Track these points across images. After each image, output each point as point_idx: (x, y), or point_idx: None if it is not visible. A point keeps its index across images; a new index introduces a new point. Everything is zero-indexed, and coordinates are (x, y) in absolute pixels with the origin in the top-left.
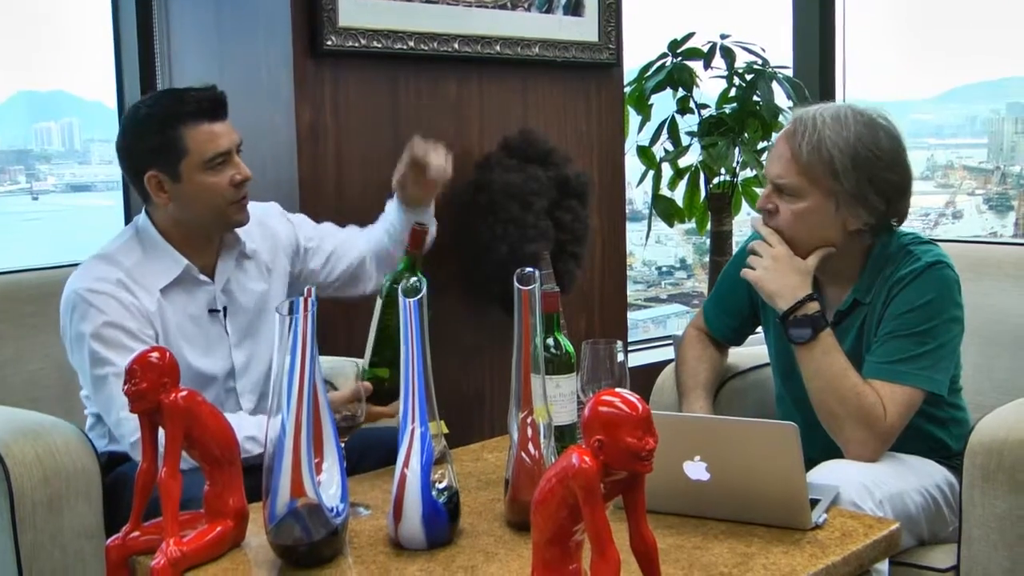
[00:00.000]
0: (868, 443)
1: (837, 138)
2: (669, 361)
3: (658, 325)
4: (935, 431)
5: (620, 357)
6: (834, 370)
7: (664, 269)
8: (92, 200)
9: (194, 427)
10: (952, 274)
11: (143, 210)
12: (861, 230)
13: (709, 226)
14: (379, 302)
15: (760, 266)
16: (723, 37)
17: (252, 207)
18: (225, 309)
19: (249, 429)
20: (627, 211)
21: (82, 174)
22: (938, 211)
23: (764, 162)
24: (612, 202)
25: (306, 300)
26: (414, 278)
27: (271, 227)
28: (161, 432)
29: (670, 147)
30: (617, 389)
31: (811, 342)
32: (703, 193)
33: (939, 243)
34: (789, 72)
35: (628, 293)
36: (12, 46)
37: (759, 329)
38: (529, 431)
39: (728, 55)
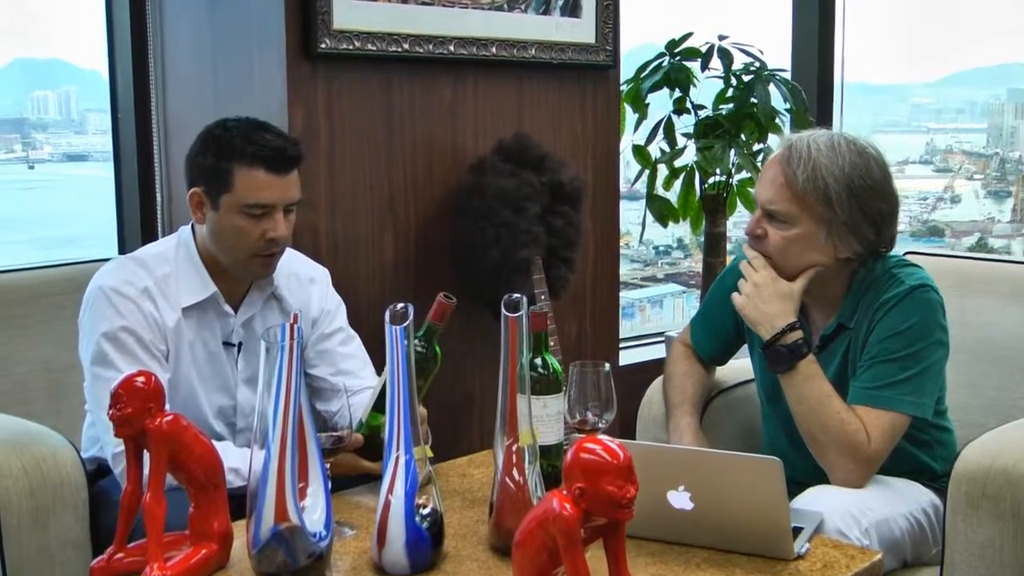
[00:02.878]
0: (852, 470)
1: (832, 166)
2: (661, 360)
3: (654, 305)
4: (920, 454)
5: (607, 379)
6: (816, 397)
7: (661, 249)
8: (89, 170)
9: (179, 451)
10: (936, 297)
11: (191, 223)
12: (850, 258)
13: (703, 227)
14: None
15: (744, 291)
16: (721, 38)
17: (304, 263)
18: (240, 345)
19: (233, 460)
20: (625, 190)
21: (79, 144)
22: (936, 195)
23: (759, 165)
24: (606, 205)
25: (291, 327)
26: (422, 346)
27: (307, 291)
28: (146, 455)
29: (666, 147)
30: (600, 436)
31: (791, 370)
32: (698, 193)
33: (929, 255)
34: (786, 74)
35: (624, 272)
36: (9, 14)
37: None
38: (514, 457)
39: (726, 57)
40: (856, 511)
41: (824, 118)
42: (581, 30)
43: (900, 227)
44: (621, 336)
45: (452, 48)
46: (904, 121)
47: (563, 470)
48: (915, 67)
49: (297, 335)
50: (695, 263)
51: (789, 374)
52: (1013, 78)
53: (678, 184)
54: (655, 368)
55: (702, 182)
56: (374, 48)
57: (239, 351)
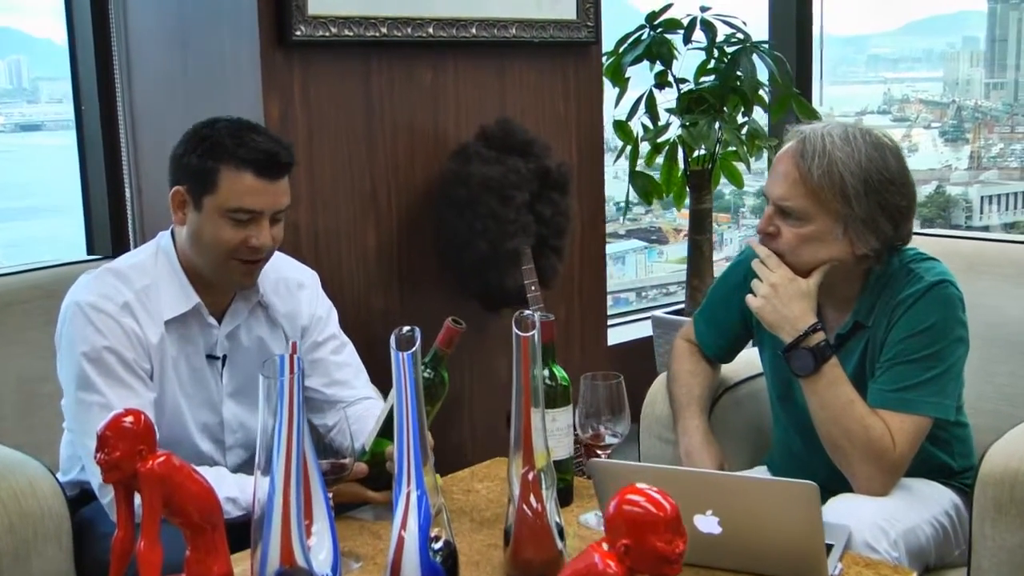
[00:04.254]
0: (877, 477)
1: (848, 160)
2: (648, 338)
3: (616, 261)
4: (939, 452)
5: (619, 391)
6: (840, 402)
7: (620, 205)
8: (43, 139)
9: (174, 493)
10: (955, 291)
11: (170, 229)
12: (867, 254)
13: (688, 203)
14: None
15: (760, 294)
16: (703, 10)
17: (292, 266)
18: (225, 358)
19: (230, 489)
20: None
21: (31, 113)
22: None
23: (743, 137)
24: (592, 187)
25: (291, 358)
26: (429, 372)
27: (296, 297)
28: (138, 498)
29: (647, 122)
30: (641, 485)
31: (815, 374)
32: (681, 168)
33: (934, 236)
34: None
35: None
36: None
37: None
38: (530, 479)
39: (709, 29)
40: (883, 522)
41: (803, 82)
42: (562, 6)
43: None
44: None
45: (431, 31)
46: (862, 72)
47: (605, 522)
48: (872, 17)
49: (297, 367)
50: (655, 218)
51: (812, 378)
52: (969, 26)
53: (659, 159)
54: (644, 347)
55: (686, 158)
56: (351, 34)
57: (223, 364)
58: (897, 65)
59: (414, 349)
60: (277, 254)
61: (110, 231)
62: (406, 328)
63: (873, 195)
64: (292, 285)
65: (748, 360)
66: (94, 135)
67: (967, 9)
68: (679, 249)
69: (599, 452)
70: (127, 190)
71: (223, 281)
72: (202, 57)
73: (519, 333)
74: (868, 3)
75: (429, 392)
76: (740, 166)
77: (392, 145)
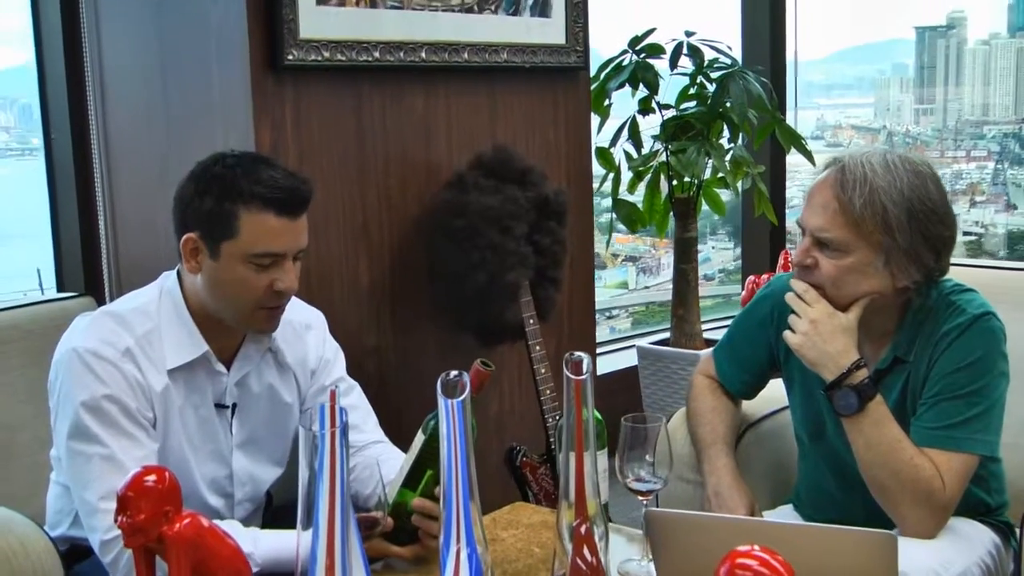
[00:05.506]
0: (927, 520)
1: (891, 189)
2: (634, 367)
3: None
4: (975, 489)
5: (663, 434)
6: (887, 442)
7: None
8: None
9: (204, 559)
10: (998, 324)
11: (175, 270)
12: (907, 286)
13: (674, 231)
14: (420, 437)
15: (799, 330)
16: (688, 34)
17: (298, 308)
18: (234, 406)
19: (245, 544)
20: None
21: None
22: None
23: (729, 165)
24: (581, 215)
25: (332, 409)
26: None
27: (304, 339)
28: (160, 565)
29: (630, 148)
30: (756, 550)
31: (859, 413)
32: (663, 196)
33: (954, 266)
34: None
35: None
36: None
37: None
38: (583, 531)
39: (696, 53)
40: (938, 567)
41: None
42: (551, 30)
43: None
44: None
45: (423, 55)
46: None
47: None
48: (806, 44)
49: (340, 418)
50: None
51: (856, 417)
52: (898, 53)
53: (641, 187)
54: (629, 377)
55: (670, 185)
56: (343, 58)
57: (232, 413)
58: (829, 91)
59: (464, 396)
60: None
61: (83, 266)
62: (453, 373)
63: (916, 225)
64: (300, 328)
65: (768, 395)
66: (65, 164)
67: (896, 37)
68: (616, 274)
69: (640, 498)
70: (101, 222)
71: (244, 328)
72: (185, 82)
73: (571, 376)
74: (800, 31)
75: (454, 393)
76: (723, 193)
77: (384, 175)
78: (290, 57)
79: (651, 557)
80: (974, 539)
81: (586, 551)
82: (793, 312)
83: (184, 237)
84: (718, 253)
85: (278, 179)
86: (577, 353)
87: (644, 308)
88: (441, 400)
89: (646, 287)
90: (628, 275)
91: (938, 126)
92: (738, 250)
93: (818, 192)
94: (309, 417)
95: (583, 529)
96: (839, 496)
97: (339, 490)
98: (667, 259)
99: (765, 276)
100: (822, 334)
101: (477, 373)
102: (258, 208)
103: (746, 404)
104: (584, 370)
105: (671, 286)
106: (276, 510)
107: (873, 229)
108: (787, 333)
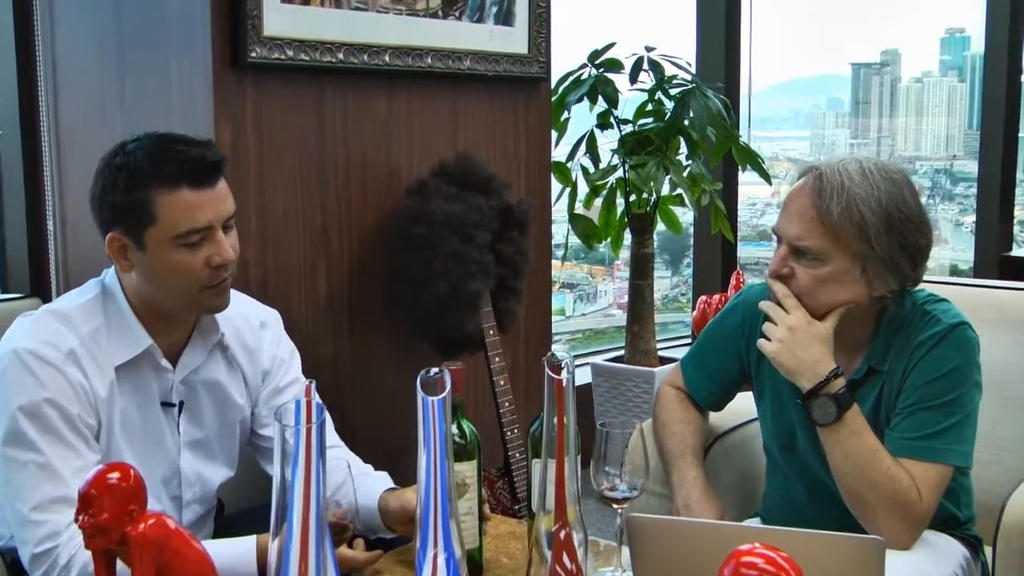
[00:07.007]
0: (904, 531)
1: (868, 197)
2: (586, 386)
3: None
4: (945, 503)
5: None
6: (864, 452)
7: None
8: None
9: (168, 563)
10: (973, 335)
11: (113, 266)
12: (884, 295)
13: (630, 248)
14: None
15: (776, 338)
16: (649, 49)
17: (252, 305)
18: (182, 404)
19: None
20: None
21: None
22: (764, 202)
23: (686, 179)
24: (540, 227)
25: (308, 404)
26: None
27: (258, 337)
28: (121, 568)
29: (588, 163)
30: (759, 548)
31: (837, 423)
32: (619, 212)
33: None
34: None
35: None
36: None
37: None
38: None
39: (656, 69)
40: None
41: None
42: (514, 40)
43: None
44: None
45: (387, 59)
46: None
47: None
48: (743, 77)
49: (316, 414)
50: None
51: (834, 427)
52: (833, 88)
53: (598, 202)
54: (583, 394)
55: (627, 201)
56: (307, 58)
57: (180, 411)
58: (766, 124)
59: (444, 394)
60: (236, 292)
61: (28, 266)
62: (434, 370)
63: (894, 233)
64: (254, 325)
65: (735, 407)
66: (13, 161)
67: (832, 73)
68: (554, 301)
69: (615, 506)
70: (49, 221)
71: (197, 313)
72: (143, 78)
73: (551, 375)
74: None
75: (464, 449)
76: (677, 210)
77: (344, 179)
78: (253, 54)
79: (626, 568)
80: (947, 552)
81: (566, 558)
82: (768, 320)
83: (108, 237)
84: (656, 282)
85: (182, 152)
86: (558, 353)
87: (582, 335)
88: (421, 399)
89: (583, 314)
90: (565, 302)
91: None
92: (675, 279)
93: (795, 200)
94: (284, 413)
95: (563, 535)
96: (810, 508)
97: (315, 493)
98: (603, 287)
99: (717, 297)
100: (800, 342)
101: (456, 372)
102: (169, 187)
103: (713, 416)
104: (564, 370)
105: (608, 312)
106: (229, 518)
107: (851, 238)
108: (762, 341)
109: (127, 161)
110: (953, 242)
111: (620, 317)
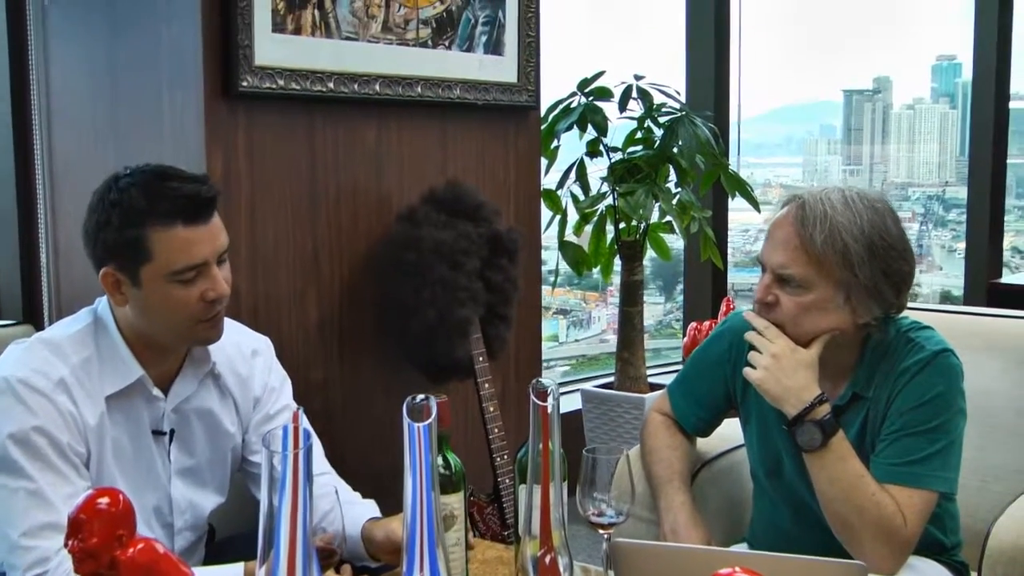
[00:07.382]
0: (889, 557)
1: (851, 225)
2: (576, 412)
3: None
4: (931, 528)
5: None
6: (850, 478)
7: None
8: None
9: None
10: (956, 361)
11: (105, 295)
12: (869, 323)
13: (620, 275)
14: None
15: (761, 365)
16: (638, 78)
17: (244, 333)
18: (172, 433)
19: None
20: None
21: None
22: (758, 228)
23: (675, 207)
24: (529, 254)
25: (295, 430)
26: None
27: (250, 365)
28: None
29: (578, 190)
30: (739, 572)
31: (822, 449)
32: (609, 239)
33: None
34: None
35: None
36: None
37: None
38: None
39: (645, 97)
40: None
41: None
42: (504, 68)
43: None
44: None
45: (377, 88)
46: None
47: None
48: (735, 104)
49: (304, 440)
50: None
51: (819, 452)
52: (825, 114)
53: (588, 230)
54: (574, 420)
55: (616, 228)
56: (297, 87)
57: (171, 440)
58: (759, 150)
59: (430, 421)
60: (229, 320)
61: (21, 293)
62: (420, 397)
63: (877, 261)
64: (246, 353)
65: (722, 433)
66: (6, 189)
67: (824, 99)
68: (547, 327)
69: (601, 532)
70: (42, 249)
71: (190, 344)
72: (136, 108)
73: (537, 402)
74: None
75: (450, 480)
76: (667, 237)
77: (335, 207)
78: (244, 83)
79: None
80: None
81: None
82: (753, 348)
83: (101, 272)
84: (649, 308)
85: (177, 188)
86: (544, 380)
87: (575, 361)
88: (407, 425)
89: (576, 340)
90: (559, 328)
91: (864, 186)
92: (668, 305)
93: (779, 228)
94: (271, 438)
95: (548, 560)
96: (796, 534)
97: (301, 519)
98: (597, 312)
99: (707, 323)
100: (784, 369)
101: (442, 405)
102: (164, 225)
103: (701, 442)
104: (549, 397)
105: (603, 338)
106: (219, 544)
107: (834, 266)
108: (747, 369)
109: (121, 198)
110: (946, 268)
111: (614, 343)
